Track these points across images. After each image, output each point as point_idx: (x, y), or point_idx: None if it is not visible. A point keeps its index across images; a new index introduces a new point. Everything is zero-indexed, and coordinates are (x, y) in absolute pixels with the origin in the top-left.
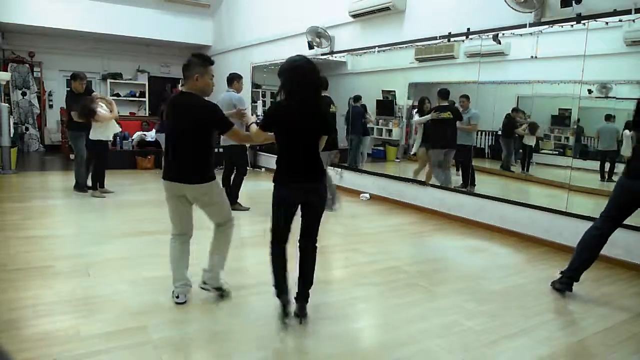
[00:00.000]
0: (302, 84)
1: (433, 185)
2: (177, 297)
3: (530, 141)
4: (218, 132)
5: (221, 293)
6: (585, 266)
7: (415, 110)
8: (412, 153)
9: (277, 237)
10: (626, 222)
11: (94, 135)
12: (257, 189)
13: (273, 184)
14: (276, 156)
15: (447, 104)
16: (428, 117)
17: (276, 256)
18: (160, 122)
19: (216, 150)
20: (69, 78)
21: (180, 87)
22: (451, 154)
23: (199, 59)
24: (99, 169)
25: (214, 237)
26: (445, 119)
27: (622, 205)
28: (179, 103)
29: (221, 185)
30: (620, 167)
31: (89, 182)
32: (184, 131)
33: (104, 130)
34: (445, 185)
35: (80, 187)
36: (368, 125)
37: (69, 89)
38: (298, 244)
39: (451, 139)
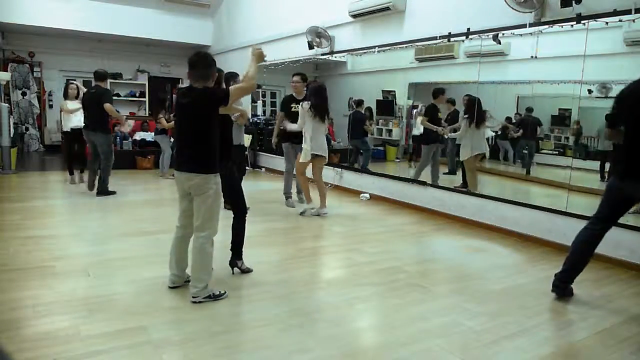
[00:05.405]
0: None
1: (433, 185)
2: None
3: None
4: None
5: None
6: (578, 268)
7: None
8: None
9: None
10: (632, 223)
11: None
12: (257, 189)
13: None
14: None
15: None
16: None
17: None
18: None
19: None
20: (91, 77)
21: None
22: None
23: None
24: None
25: (192, 248)
26: None
27: (613, 207)
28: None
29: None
30: None
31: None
32: (185, 119)
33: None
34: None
35: (107, 189)
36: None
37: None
38: None
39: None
